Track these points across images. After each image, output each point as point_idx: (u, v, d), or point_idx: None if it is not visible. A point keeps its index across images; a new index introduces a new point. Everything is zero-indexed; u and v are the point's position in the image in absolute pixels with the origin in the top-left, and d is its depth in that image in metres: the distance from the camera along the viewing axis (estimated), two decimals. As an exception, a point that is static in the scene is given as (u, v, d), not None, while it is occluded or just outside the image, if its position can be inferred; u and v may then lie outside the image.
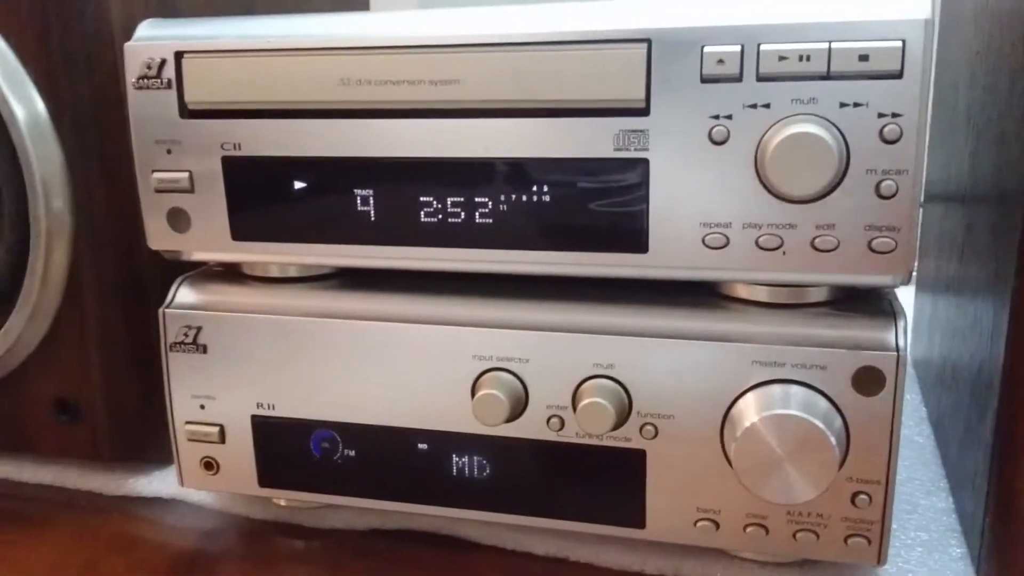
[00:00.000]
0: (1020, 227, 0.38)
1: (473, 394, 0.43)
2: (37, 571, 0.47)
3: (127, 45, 0.44)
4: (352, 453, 0.46)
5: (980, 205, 0.47)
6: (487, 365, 0.43)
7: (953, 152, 0.56)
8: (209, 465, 0.48)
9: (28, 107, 0.47)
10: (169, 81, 0.43)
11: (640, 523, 0.43)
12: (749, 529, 0.41)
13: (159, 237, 0.46)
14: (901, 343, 0.38)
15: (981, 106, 0.48)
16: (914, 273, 0.74)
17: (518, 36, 0.39)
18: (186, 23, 0.45)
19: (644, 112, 0.38)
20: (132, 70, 0.44)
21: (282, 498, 0.50)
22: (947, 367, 0.55)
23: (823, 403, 0.39)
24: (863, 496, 0.40)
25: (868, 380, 0.39)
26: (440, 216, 0.42)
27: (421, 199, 0.42)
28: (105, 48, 0.48)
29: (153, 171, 0.45)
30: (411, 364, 0.44)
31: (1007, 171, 0.41)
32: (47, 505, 0.53)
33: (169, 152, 0.44)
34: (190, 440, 0.48)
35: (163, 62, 0.43)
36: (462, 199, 0.42)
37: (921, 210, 0.69)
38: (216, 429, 0.47)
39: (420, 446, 0.45)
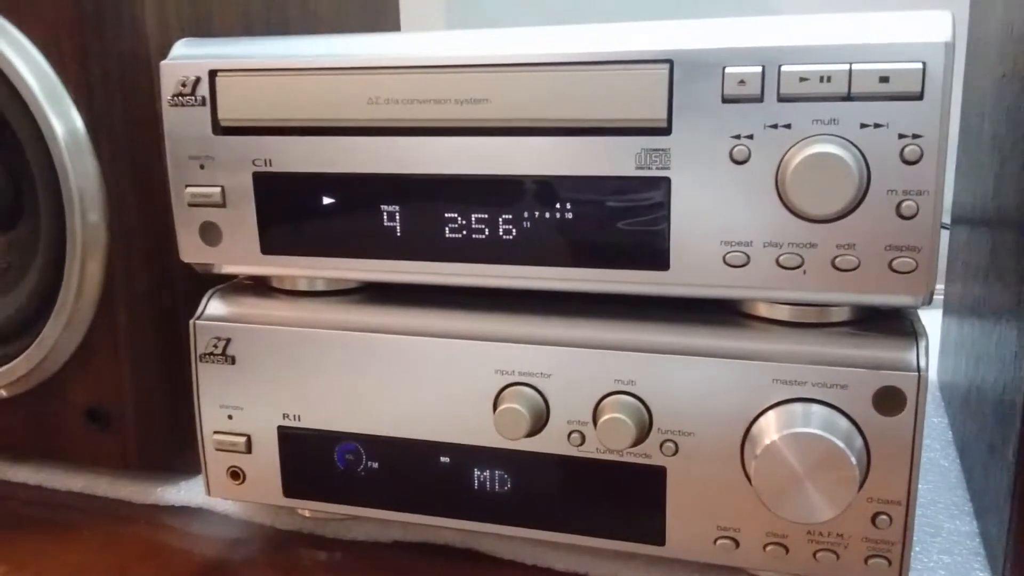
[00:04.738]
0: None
1: (495, 408, 0.43)
2: (66, 577, 0.48)
3: (163, 63, 0.45)
4: (375, 465, 0.46)
5: (1004, 228, 0.47)
6: (509, 380, 0.43)
7: (979, 175, 0.56)
8: (236, 475, 0.48)
9: (67, 123, 0.49)
10: (203, 98, 0.45)
11: (660, 540, 0.43)
12: (769, 548, 0.41)
13: (191, 250, 0.47)
14: (923, 363, 0.39)
15: (1006, 130, 0.48)
16: (941, 296, 0.74)
17: (544, 56, 0.40)
18: (220, 43, 0.46)
19: (666, 131, 0.39)
20: (167, 87, 0.45)
21: (307, 509, 0.50)
22: (972, 390, 0.54)
23: (844, 422, 0.39)
24: (884, 516, 0.40)
25: (889, 400, 0.39)
26: (464, 232, 0.43)
27: (446, 215, 0.43)
28: (141, 66, 0.49)
29: (187, 186, 0.46)
30: (434, 377, 0.44)
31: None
32: (77, 513, 0.54)
33: (202, 167, 0.45)
34: (218, 450, 0.48)
35: (197, 80, 0.44)
36: (486, 215, 0.42)
37: (948, 233, 0.69)
38: (243, 439, 0.48)
39: (442, 459, 0.45)
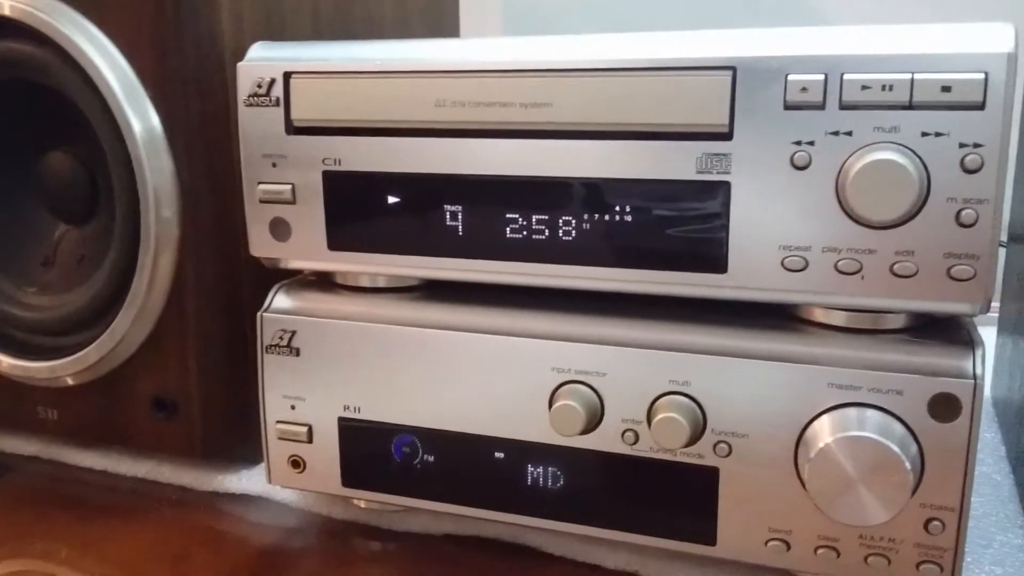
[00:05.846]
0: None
1: (551, 405, 0.44)
2: (130, 560, 0.49)
3: (240, 65, 0.47)
4: (431, 458, 0.47)
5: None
6: (565, 377, 0.44)
7: (1038, 189, 0.56)
8: (296, 463, 0.50)
9: (144, 121, 0.51)
10: (277, 99, 0.46)
11: (711, 540, 0.44)
12: (820, 551, 0.42)
13: (261, 245, 0.49)
14: (979, 371, 0.39)
15: (1067, 142, 0.48)
16: (996, 314, 0.73)
17: (607, 62, 0.41)
18: (294, 46, 0.48)
19: (727, 137, 0.40)
20: (244, 88, 0.47)
21: (362, 500, 0.52)
22: (1027, 404, 0.54)
23: (899, 428, 0.39)
24: (936, 523, 0.40)
25: (944, 406, 0.39)
26: (525, 232, 0.44)
27: (508, 215, 0.44)
28: (216, 68, 0.51)
29: (259, 183, 0.48)
30: (491, 374, 0.45)
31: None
32: (141, 498, 0.56)
33: (274, 165, 0.47)
34: (280, 439, 0.50)
35: (272, 81, 0.46)
36: (547, 216, 0.43)
37: (1004, 250, 0.69)
38: (305, 429, 0.49)
39: (497, 454, 0.46)
